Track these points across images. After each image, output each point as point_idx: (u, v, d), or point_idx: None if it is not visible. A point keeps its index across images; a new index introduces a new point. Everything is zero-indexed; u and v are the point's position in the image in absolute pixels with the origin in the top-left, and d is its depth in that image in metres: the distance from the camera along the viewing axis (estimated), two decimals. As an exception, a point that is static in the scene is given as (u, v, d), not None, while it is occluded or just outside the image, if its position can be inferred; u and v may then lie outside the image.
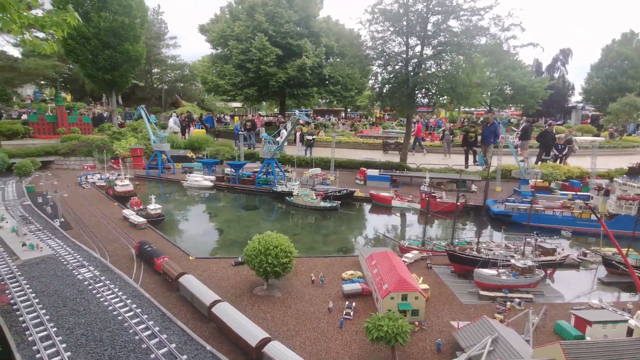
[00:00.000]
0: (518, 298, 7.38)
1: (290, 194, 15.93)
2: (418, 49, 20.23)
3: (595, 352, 4.40)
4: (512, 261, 7.99)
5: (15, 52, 34.84)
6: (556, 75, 56.94)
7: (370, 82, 23.51)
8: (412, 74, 19.41)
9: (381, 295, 6.96)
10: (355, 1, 20.99)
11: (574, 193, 14.93)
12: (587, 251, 9.95)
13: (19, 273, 7.42)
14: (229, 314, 5.78)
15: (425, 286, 7.72)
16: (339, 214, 15.02)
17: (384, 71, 21.60)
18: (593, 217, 11.75)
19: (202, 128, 34.20)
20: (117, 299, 6.54)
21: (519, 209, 13.39)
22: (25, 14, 6.48)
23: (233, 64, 35.48)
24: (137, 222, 11.61)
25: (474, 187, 17.34)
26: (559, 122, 43.45)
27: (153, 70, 52.05)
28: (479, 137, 21.72)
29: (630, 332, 6.10)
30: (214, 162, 21.29)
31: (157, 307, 6.39)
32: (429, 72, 19.80)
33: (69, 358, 4.99)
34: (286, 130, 19.44)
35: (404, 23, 19.43)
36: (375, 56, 20.87)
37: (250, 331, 5.24)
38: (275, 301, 7.54)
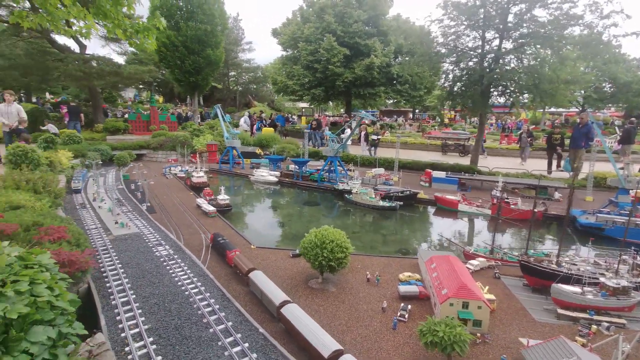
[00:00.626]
0: (607, 322, 6.35)
1: (350, 192, 15.89)
2: (496, 42, 18.65)
3: None
4: (602, 279, 6.90)
5: (120, 60, 40.45)
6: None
7: (441, 80, 22.38)
8: (487, 70, 17.95)
9: (439, 300, 6.54)
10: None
11: None
12: None
13: (110, 246, 8.57)
14: (300, 317, 5.62)
15: (491, 296, 7.06)
16: (401, 215, 14.56)
17: (455, 68, 20.34)
18: None
19: (269, 126, 35.82)
20: (186, 277, 7.16)
21: (614, 221, 11.55)
22: (124, 20, 7.44)
23: (301, 65, 36.59)
24: (208, 211, 12.61)
25: (557, 195, 15.43)
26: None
27: (230, 73, 56.00)
28: (566, 140, 19.27)
29: None
30: (279, 158, 22.17)
31: (218, 287, 6.85)
32: (507, 67, 18.09)
33: (143, 322, 5.56)
34: (350, 129, 19.41)
35: (481, 16, 18.07)
36: (446, 53, 19.78)
37: (322, 340, 5.06)
38: (329, 295, 7.55)
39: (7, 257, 2.81)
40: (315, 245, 7.63)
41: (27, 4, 17.31)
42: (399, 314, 6.77)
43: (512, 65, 18.53)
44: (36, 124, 25.41)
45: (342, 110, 59.67)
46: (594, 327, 6.28)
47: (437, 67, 21.42)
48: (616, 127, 32.72)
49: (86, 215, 11.15)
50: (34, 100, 40.62)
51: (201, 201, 13.51)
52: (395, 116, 57.32)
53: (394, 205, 14.58)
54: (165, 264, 7.73)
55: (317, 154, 24.02)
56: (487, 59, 18.68)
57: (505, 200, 13.41)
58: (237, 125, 35.24)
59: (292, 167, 20.19)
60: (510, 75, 17.89)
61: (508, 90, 19.08)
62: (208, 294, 6.51)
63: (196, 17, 31.34)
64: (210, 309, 6.05)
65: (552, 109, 46.09)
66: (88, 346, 4.32)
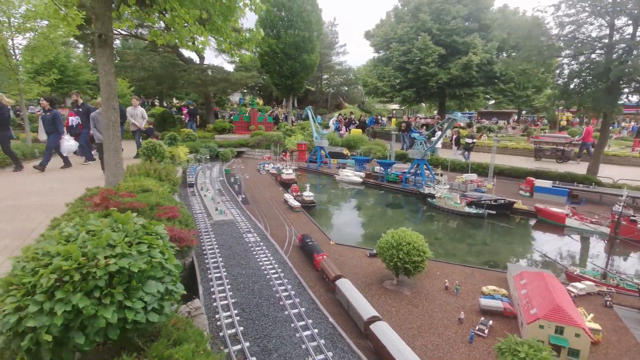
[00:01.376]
0: None
1: (433, 196, 15.18)
2: (629, 30, 15.61)
3: None
4: None
5: (230, 68, 45.67)
6: None
7: (555, 77, 19.61)
8: (616, 63, 15.12)
9: (527, 320, 5.91)
10: (541, -17, 17.83)
11: None
12: None
13: (210, 229, 9.92)
14: (391, 339, 5.13)
15: (596, 326, 6.07)
16: (492, 225, 13.34)
17: (573, 62, 17.63)
18: None
19: (357, 128, 36.22)
20: (268, 262, 7.89)
21: None
22: (231, 34, 8.56)
23: (393, 66, 36.01)
24: (294, 206, 13.50)
25: None
26: None
27: (323, 76, 58.23)
28: None
29: None
30: (365, 159, 22.33)
31: (295, 275, 7.38)
32: (645, 58, 14.94)
33: (231, 296, 6.37)
34: (440, 131, 18.49)
35: (609, 0, 15.32)
36: (562, 45, 17.29)
37: None
38: (403, 298, 7.46)
39: (134, 225, 3.61)
40: (391, 246, 7.61)
41: (162, 24, 20.87)
42: (477, 327, 6.33)
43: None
44: (165, 124, 30.45)
45: (434, 112, 56.78)
46: None
47: (549, 62, 18.86)
48: None
49: (194, 202, 13.06)
50: (164, 104, 48.75)
51: (288, 196, 14.52)
52: (494, 118, 52.07)
53: (481, 212, 13.55)
54: (252, 249, 8.63)
55: (404, 156, 23.47)
56: (616, 50, 15.76)
57: (631, 217, 11.21)
58: (327, 127, 36.60)
59: (377, 168, 20.15)
60: (649, 68, 14.74)
61: (645, 87, 15.78)
62: (286, 280, 7.09)
63: (295, 25, 33.54)
64: (287, 293, 6.59)
65: None
66: (188, 308, 5.19)
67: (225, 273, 7.28)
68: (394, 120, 48.76)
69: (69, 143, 13.99)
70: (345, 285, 6.73)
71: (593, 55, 16.57)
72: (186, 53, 32.29)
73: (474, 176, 17.87)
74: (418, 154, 17.47)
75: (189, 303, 5.20)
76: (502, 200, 14.18)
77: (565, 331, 5.52)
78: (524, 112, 55.41)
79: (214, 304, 6.13)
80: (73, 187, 11.13)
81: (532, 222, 13.80)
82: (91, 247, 3.09)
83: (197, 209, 12.11)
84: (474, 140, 23.42)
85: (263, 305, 6.21)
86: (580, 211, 13.37)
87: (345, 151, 26.29)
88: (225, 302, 6.20)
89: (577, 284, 7.62)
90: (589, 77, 16.71)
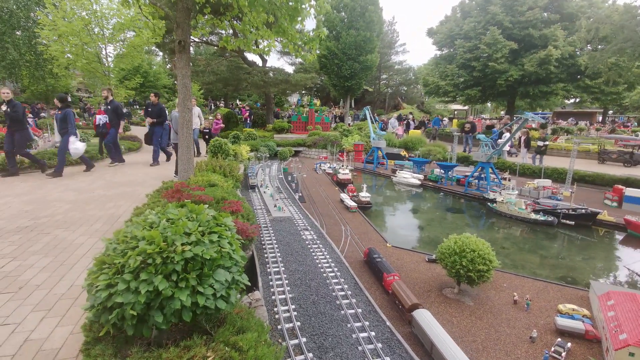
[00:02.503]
0: None
1: (494, 200, 14.13)
2: None
3: None
4: None
5: (290, 69, 47.09)
6: None
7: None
8: None
9: (614, 346, 5.19)
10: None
11: None
12: None
13: (269, 225, 10.28)
14: None
15: None
16: (571, 237, 11.99)
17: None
18: None
19: (416, 129, 35.01)
20: (325, 260, 7.95)
21: None
22: (295, 35, 8.79)
23: (457, 64, 34.15)
24: (350, 206, 13.46)
25: None
26: None
27: (382, 76, 57.31)
28: None
29: None
30: (424, 161, 21.50)
31: (352, 275, 7.33)
32: None
33: (288, 291, 6.53)
34: (509, 132, 17.09)
35: None
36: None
37: None
38: (465, 308, 7.02)
39: (207, 215, 3.85)
40: (454, 253, 7.21)
41: (231, 31, 22.20)
42: (552, 349, 5.72)
43: None
44: (229, 124, 32.33)
45: (502, 112, 52.69)
46: None
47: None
48: None
49: (254, 198, 13.66)
50: (229, 105, 51.86)
51: (344, 196, 14.51)
52: (571, 118, 46.75)
53: (550, 219, 12.44)
54: (309, 246, 8.76)
55: (467, 159, 22.15)
56: None
57: None
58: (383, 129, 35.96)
59: (437, 171, 19.29)
60: None
61: None
62: (342, 280, 7.08)
63: (356, 25, 33.46)
64: (343, 293, 6.57)
65: None
66: (249, 298, 5.42)
67: (283, 268, 7.48)
68: (455, 121, 46.30)
69: (74, 146, 12.09)
70: (426, 319, 5.50)
71: None
72: (250, 56, 33.99)
73: (547, 182, 16.24)
74: (483, 156, 16.34)
75: (250, 294, 5.43)
76: (583, 210, 12.67)
77: (665, 364, 4.75)
78: (610, 111, 49.01)
79: (272, 297, 6.33)
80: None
81: (620, 236, 12.13)
82: (171, 233, 3.36)
83: (257, 205, 12.65)
84: (546, 143, 21.30)
85: (320, 302, 6.26)
86: (684, 227, 11.44)
87: (403, 152, 25.57)
88: (283, 296, 6.37)
89: (681, 312, 6.50)
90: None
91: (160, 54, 42.61)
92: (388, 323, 5.70)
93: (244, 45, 8.99)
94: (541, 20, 30.99)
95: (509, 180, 16.51)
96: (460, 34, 34.72)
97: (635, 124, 41.42)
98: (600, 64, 20.27)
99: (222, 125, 23.42)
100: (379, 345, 5.14)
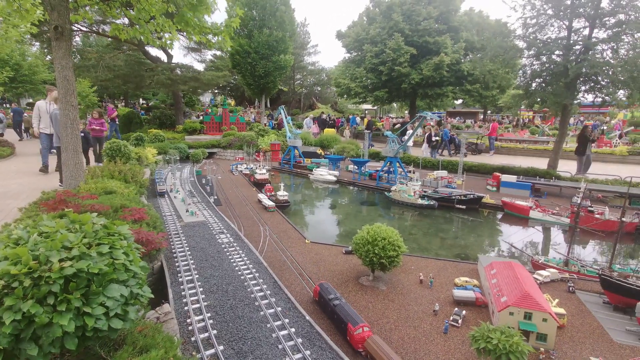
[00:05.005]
0: None
1: (390, 190, 15.80)
2: (585, 32, 16.63)
3: None
4: None
5: (200, 67, 44.51)
6: None
7: (519, 77, 20.55)
8: (573, 62, 16.04)
9: (498, 308, 6.09)
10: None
11: None
12: None
13: (181, 231, 9.55)
14: None
15: (561, 310, 6.36)
16: (463, 220, 13.76)
17: (535, 63, 18.55)
18: None
19: (330, 127, 36.40)
20: (242, 263, 7.69)
21: None
22: (205, 26, 8.26)
23: (365, 68, 36.39)
24: (268, 205, 13.30)
25: (658, 206, 13.20)
26: None
27: (296, 76, 58.00)
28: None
29: None
30: (338, 158, 22.40)
31: (271, 275, 7.22)
32: (599, 59, 15.92)
33: (203, 299, 6.13)
34: (412, 129, 18.86)
35: (568, 2, 16.24)
36: (525, 46, 18.15)
37: None
38: (379, 293, 7.49)
39: (93, 225, 3.35)
40: (367, 242, 7.63)
41: (126, 20, 19.96)
42: (451, 318, 6.46)
43: (606, 56, 16.31)
44: (131, 125, 29.15)
45: (406, 111, 58.03)
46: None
47: (513, 62, 19.75)
48: None
49: (163, 203, 12.55)
50: (130, 104, 46.71)
51: (262, 196, 14.28)
52: (461, 117, 53.92)
53: (432, 203, 14.60)
54: (225, 250, 8.38)
55: (378, 154, 23.77)
56: (573, 50, 16.72)
57: (589, 208, 11.90)
58: (300, 127, 36.48)
59: (351, 167, 20.27)
60: (603, 68, 15.75)
61: (599, 85, 16.86)
62: (262, 280, 6.92)
63: (268, 24, 33.18)
64: (262, 293, 6.43)
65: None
66: (157, 313, 4.92)
67: (197, 275, 7.01)
68: (365, 119, 49.36)
69: None
70: None
71: (553, 56, 17.48)
72: (153, 52, 31.13)
73: (444, 173, 18.38)
74: (390, 152, 17.73)
75: (158, 308, 4.94)
76: (472, 195, 14.66)
77: (533, 317, 5.73)
78: (489, 111, 57.75)
79: (185, 307, 5.87)
80: None
81: (500, 215, 14.36)
82: (44, 249, 2.83)
83: (167, 210, 11.64)
84: (437, 138, 24.22)
85: (238, 306, 6.02)
86: (542, 204, 14.06)
87: (319, 150, 26.29)
88: (198, 305, 5.96)
89: (542, 272, 7.97)
90: (549, 76, 17.64)
91: (37, 44, 36.27)
92: (307, 317, 5.75)
93: (140, 36, 8.13)
94: (434, 30, 34.90)
95: (414, 172, 18.22)
96: (367, 38, 37.05)
97: (507, 121, 49.56)
98: (479, 69, 23.83)
99: (105, 128, 18.02)
100: (299, 340, 5.15)
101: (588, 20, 16.26)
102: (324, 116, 39.83)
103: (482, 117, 56.28)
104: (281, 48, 34.90)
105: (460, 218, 13.99)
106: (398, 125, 28.41)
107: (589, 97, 17.87)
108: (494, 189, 16.71)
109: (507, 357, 4.69)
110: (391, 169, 18.31)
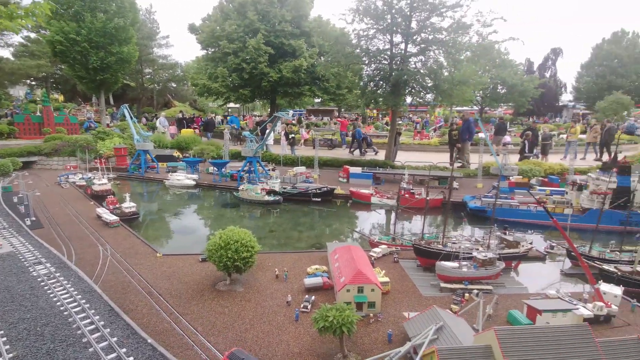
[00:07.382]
0: (477, 289, 7.35)
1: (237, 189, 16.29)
2: (402, 46, 20.25)
3: (528, 336, 4.36)
4: (474, 253, 7.96)
5: (6, 53, 34.72)
6: (547, 74, 57.06)
7: (363, 79, 23.54)
8: (395, 70, 19.40)
9: (338, 288, 6.92)
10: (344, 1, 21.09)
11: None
12: (554, 244, 9.94)
13: (-26, 270, 7.35)
14: None
15: (386, 279, 7.66)
16: (319, 211, 15.00)
17: (368, 68, 21.63)
18: (566, 211, 11.78)
19: (187, 128, 34.29)
20: (67, 295, 6.47)
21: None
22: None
23: (228, 68, 35.30)
24: (109, 220, 11.52)
25: (455, 185, 17.31)
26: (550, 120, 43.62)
27: (145, 70, 51.82)
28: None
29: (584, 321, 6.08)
30: (197, 161, 21.19)
31: (106, 302, 6.31)
32: (412, 69, 19.74)
33: (7, 351, 4.91)
34: (269, 128, 19.38)
35: (388, 21, 19.44)
36: (360, 54, 20.90)
37: None
38: (236, 296, 7.48)
39: None
40: (220, 247, 7.47)
41: None
42: (302, 305, 6.98)
43: (419, 66, 20.32)
44: None
45: (269, 109, 59.25)
46: (467, 295, 7.22)
47: (354, 67, 22.51)
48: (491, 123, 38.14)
49: (-54, 236, 9.41)
50: None
51: (102, 211, 12.29)
52: (320, 115, 58.62)
53: (277, 199, 15.55)
54: (43, 284, 6.87)
55: (239, 154, 23.52)
56: (395, 60, 20.17)
57: (410, 190, 14.65)
58: (154, 127, 32.93)
59: (211, 169, 19.48)
60: (415, 76, 19.57)
61: (413, 90, 20.88)
62: (93, 311, 5.97)
63: (101, 7, 28.33)
64: (93, 326, 5.55)
65: (458, 108, 51.37)
66: None
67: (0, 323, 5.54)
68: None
69: None
70: None
71: (382, 65, 20.69)
72: None
73: (302, 169, 19.58)
74: (250, 151, 17.81)
75: None
76: (325, 188, 16.12)
77: (364, 290, 6.74)
78: (342, 109, 64.47)
79: (-24, 368, 4.58)
80: None
81: (349, 203, 16.26)
82: None
83: (-49, 245, 8.77)
84: (294, 135, 25.81)
85: (57, 350, 5.03)
86: (381, 190, 16.59)
87: (176, 153, 24.29)
88: (-3, 361, 4.73)
89: (376, 249, 9.45)
90: (380, 81, 20.85)
91: None
92: (150, 340, 5.28)
93: None
94: (289, 33, 36.48)
95: (274, 170, 18.81)
96: (223, 35, 35.87)
97: (354, 117, 56.40)
98: (327, 71, 26.37)
99: None
100: (139, 368, 4.69)
101: (403, 36, 19.88)
102: (179, 115, 36.91)
103: (337, 114, 62.40)
104: (122, 37, 30.42)
105: (317, 210, 15.21)
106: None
107: (408, 99, 21.96)
108: (345, 180, 18.78)
109: (341, 330, 5.38)
110: (252, 169, 18.42)
